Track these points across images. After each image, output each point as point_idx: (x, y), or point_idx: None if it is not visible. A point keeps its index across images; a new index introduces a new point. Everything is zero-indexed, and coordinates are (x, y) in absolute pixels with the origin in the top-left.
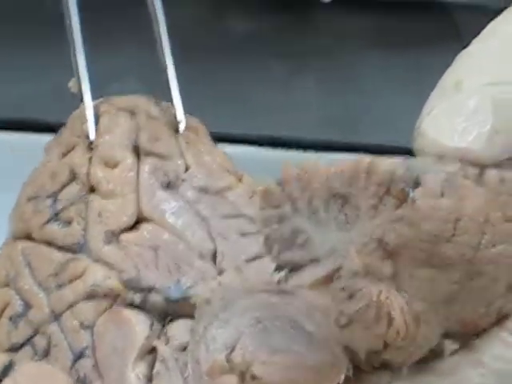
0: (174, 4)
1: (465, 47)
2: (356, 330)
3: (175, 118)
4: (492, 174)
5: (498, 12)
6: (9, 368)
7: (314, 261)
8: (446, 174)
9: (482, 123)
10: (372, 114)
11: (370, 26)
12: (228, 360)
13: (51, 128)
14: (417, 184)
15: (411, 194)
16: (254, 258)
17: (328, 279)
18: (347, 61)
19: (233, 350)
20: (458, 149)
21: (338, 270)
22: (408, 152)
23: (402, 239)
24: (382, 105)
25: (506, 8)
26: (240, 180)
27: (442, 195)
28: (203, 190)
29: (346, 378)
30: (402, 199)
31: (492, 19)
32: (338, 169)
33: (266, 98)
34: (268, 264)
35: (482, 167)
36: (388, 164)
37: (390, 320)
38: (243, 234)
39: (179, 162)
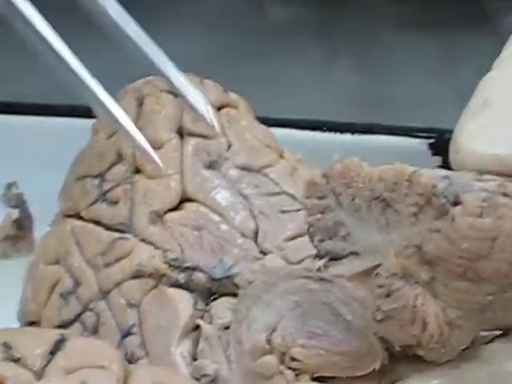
0: None
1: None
2: (391, 327)
3: (218, 95)
4: None
5: None
6: (61, 343)
7: (354, 254)
8: (486, 193)
9: None
10: (404, 96)
11: (403, 8)
12: (268, 341)
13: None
14: (457, 201)
15: (451, 211)
16: (295, 236)
17: (367, 274)
18: (380, 43)
19: (273, 331)
20: (495, 155)
21: (376, 267)
22: (437, 132)
23: (440, 252)
24: (413, 87)
25: None
26: (281, 156)
27: (481, 215)
28: (245, 169)
29: (382, 366)
30: (442, 212)
31: None
32: (381, 173)
33: (301, 81)
34: (308, 243)
35: None
36: (430, 177)
37: (425, 324)
38: (284, 212)
39: (222, 141)
